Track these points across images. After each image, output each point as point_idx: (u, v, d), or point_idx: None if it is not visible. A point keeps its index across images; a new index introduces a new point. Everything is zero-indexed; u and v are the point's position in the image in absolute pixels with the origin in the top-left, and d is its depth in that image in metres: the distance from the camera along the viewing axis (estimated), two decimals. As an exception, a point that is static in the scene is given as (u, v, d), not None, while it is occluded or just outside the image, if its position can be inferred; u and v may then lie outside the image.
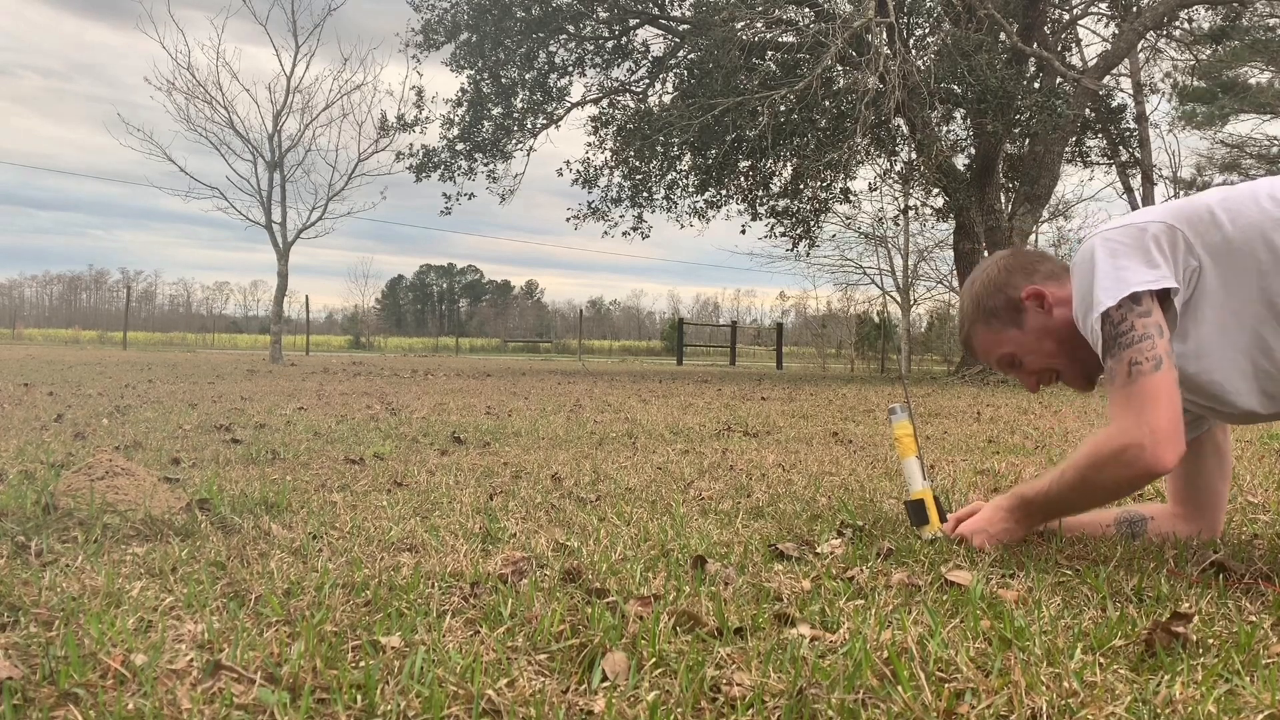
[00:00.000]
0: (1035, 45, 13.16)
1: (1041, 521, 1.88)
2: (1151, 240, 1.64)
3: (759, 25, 13.42)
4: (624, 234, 16.21)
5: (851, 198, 15.95)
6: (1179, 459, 1.62)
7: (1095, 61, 14.64)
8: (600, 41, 15.99)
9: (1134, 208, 20.01)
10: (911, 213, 18.83)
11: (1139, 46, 16.51)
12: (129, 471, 2.19)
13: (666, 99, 15.13)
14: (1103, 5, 16.13)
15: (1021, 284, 1.86)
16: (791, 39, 13.90)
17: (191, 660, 1.16)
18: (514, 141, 15.97)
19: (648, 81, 16.16)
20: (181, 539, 1.87)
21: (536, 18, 14.71)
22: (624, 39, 15.98)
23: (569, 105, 16.14)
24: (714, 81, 12.71)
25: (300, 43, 17.87)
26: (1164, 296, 1.64)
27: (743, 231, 16.24)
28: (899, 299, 25.38)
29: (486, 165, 16.09)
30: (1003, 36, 12.75)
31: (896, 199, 20.00)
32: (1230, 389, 1.65)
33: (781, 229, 15.62)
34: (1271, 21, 15.52)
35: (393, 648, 1.21)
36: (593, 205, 16.10)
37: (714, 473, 3.11)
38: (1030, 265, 1.89)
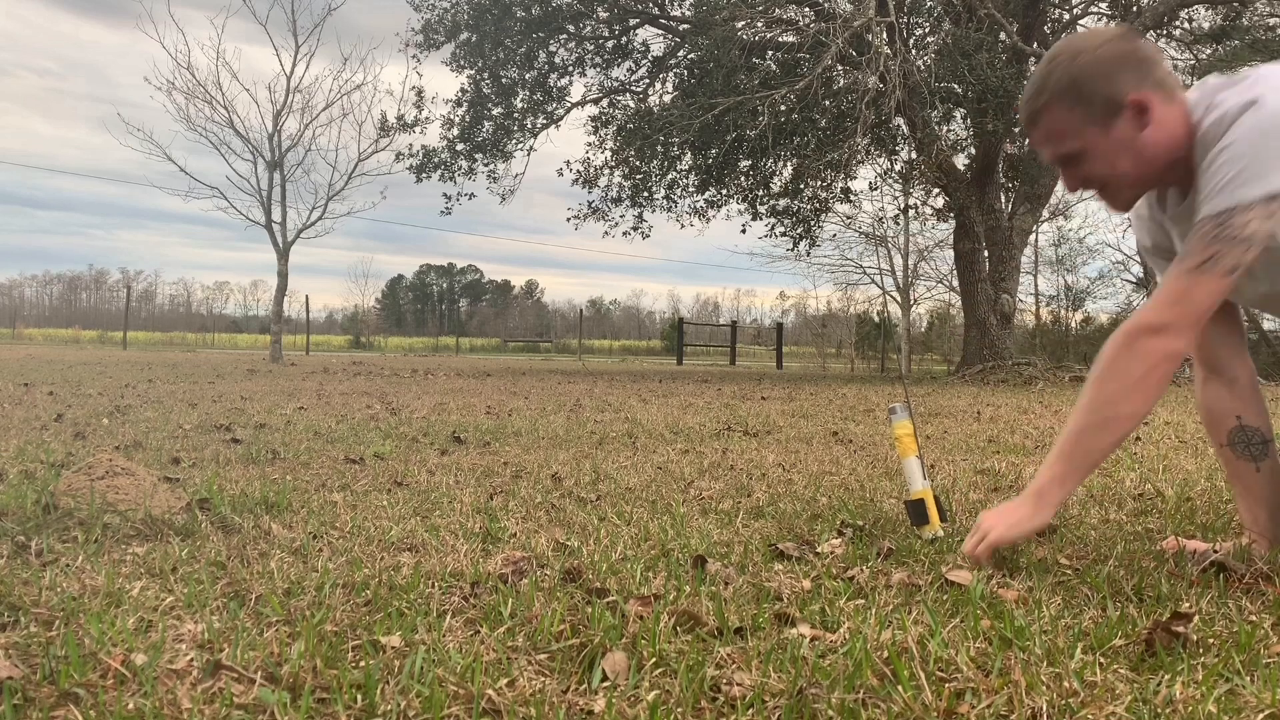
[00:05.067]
0: (1035, 45, 13.14)
1: (1063, 488, 1.66)
2: None
3: (759, 25, 13.41)
4: (624, 234, 16.23)
5: (852, 197, 15.93)
6: (1190, 344, 1.65)
7: (1095, 61, 14.58)
8: (600, 41, 15.98)
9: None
10: (911, 212, 18.81)
11: (1139, 46, 16.45)
12: (129, 471, 2.19)
13: (666, 99, 15.12)
14: (1103, 5, 16.12)
15: (1130, 86, 1.62)
16: (792, 39, 13.89)
17: (192, 660, 1.16)
18: (514, 141, 15.96)
19: (648, 81, 16.16)
20: (181, 539, 1.87)
21: (536, 18, 14.70)
22: (624, 39, 15.96)
23: (569, 105, 16.13)
24: (714, 81, 12.70)
25: (300, 42, 17.85)
26: None
27: (743, 231, 16.28)
28: (899, 299, 25.40)
29: (486, 165, 16.08)
30: (1003, 36, 12.75)
31: (896, 199, 20.01)
32: None
33: (782, 229, 15.64)
34: (1271, 21, 15.51)
35: (393, 647, 1.21)
36: (593, 205, 16.10)
37: (714, 472, 3.11)
38: (1145, 64, 1.64)
